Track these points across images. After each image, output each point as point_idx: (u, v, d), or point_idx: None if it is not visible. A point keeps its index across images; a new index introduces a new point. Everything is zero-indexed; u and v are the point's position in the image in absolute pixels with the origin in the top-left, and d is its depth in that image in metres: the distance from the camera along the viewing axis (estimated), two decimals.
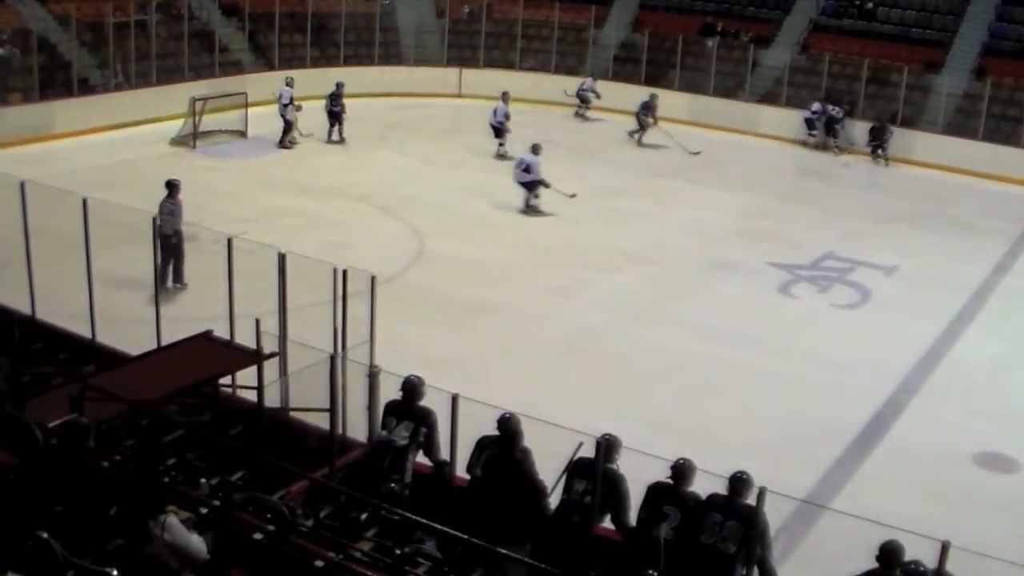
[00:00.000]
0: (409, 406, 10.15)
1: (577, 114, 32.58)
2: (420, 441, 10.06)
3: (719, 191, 25.29)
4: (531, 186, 22.54)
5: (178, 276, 16.77)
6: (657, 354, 16.04)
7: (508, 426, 9.56)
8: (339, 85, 27.79)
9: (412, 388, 10.17)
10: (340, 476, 10.42)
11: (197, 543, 7.27)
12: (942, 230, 23.37)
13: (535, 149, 22.58)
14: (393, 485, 9.85)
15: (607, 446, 8.96)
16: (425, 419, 10.07)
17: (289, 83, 27.24)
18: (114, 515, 7.41)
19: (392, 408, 10.24)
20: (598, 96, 32.37)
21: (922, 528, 7.74)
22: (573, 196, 22.88)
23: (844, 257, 20.90)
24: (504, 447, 9.55)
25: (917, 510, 11.14)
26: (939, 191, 26.61)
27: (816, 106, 30.19)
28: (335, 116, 27.72)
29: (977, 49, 31.68)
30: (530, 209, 22.62)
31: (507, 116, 27.18)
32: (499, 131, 27.12)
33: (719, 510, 8.63)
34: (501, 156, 26.59)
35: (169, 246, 16.41)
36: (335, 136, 27.77)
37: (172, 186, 17.02)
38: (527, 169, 22.44)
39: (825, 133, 30.13)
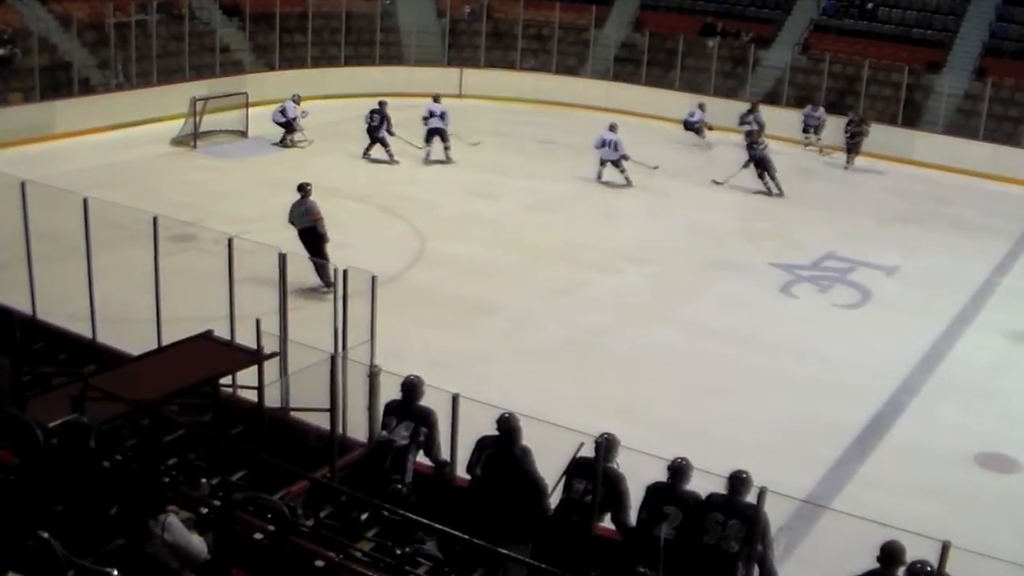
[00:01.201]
0: (409, 406, 10.15)
1: (700, 140, 30.55)
2: (421, 441, 10.06)
3: (720, 191, 25.28)
4: (617, 163, 24.87)
5: (324, 279, 16.39)
6: (658, 354, 16.03)
7: (507, 425, 9.55)
8: (382, 104, 26.13)
9: (412, 388, 10.18)
10: (341, 476, 10.43)
11: (198, 543, 7.27)
12: (943, 230, 23.38)
13: (614, 127, 24.99)
14: (400, 487, 9.85)
15: (606, 445, 8.97)
16: (425, 419, 10.08)
17: (296, 100, 27.17)
18: (115, 515, 7.41)
19: (392, 408, 10.24)
20: (710, 127, 30.34)
21: (923, 528, 7.74)
22: (656, 168, 25.49)
23: (845, 257, 20.89)
24: (503, 446, 9.55)
25: (918, 510, 11.13)
26: (940, 191, 26.63)
27: (807, 108, 30.40)
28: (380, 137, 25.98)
29: (978, 49, 31.70)
30: (627, 181, 24.98)
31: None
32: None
33: (720, 510, 8.62)
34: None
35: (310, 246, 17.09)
36: (379, 155, 26.02)
37: (301, 189, 17.74)
38: (616, 147, 24.75)
39: (803, 132, 30.37)
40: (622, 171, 24.89)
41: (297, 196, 17.75)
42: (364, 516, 9.76)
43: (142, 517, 7.05)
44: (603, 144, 24.90)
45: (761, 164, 25.26)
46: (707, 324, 17.17)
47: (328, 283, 15.80)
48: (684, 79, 33.54)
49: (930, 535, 7.55)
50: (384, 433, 10.14)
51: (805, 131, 30.26)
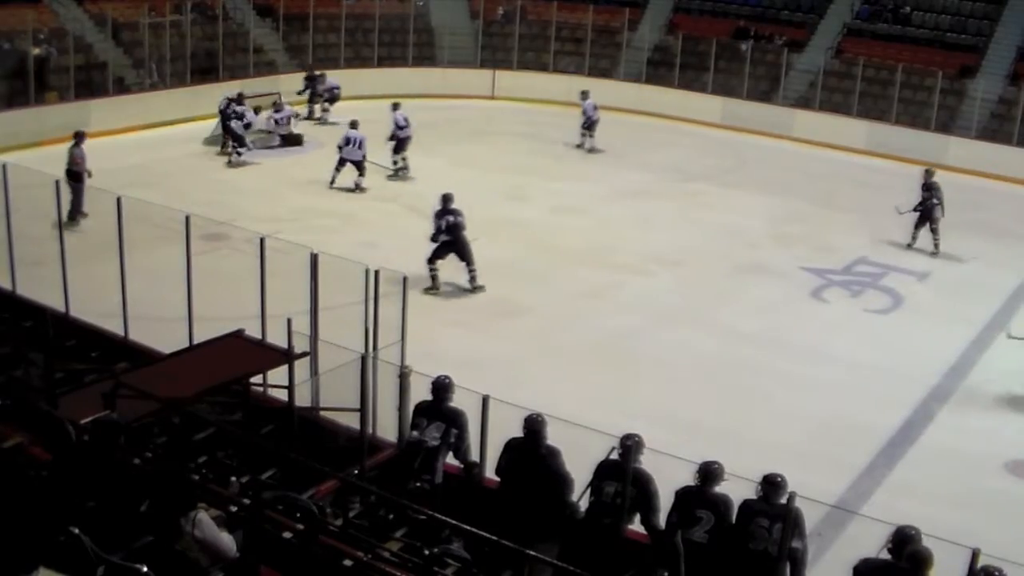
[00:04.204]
0: (439, 407, 10.18)
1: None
2: (451, 442, 10.08)
3: (752, 195, 25.17)
4: (360, 164, 23.59)
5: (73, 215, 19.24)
6: (688, 357, 15.98)
7: (533, 425, 9.56)
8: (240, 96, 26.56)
9: (442, 388, 10.21)
10: (370, 476, 10.45)
11: (227, 541, 7.29)
12: (975, 236, 23.17)
13: (355, 124, 23.70)
14: (419, 484, 9.87)
15: (635, 447, 8.98)
16: (455, 420, 10.10)
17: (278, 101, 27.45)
18: (145, 512, 7.45)
19: (422, 409, 10.27)
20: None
21: (952, 535, 7.70)
22: (392, 174, 24.45)
23: (877, 262, 20.80)
24: (529, 446, 9.55)
25: (947, 517, 11.07)
26: (973, 197, 26.29)
27: (588, 102, 28.55)
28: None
29: (1012, 54, 31.45)
30: (361, 188, 23.64)
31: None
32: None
33: (763, 515, 8.61)
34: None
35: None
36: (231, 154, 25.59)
37: (77, 135, 20.44)
38: (360, 145, 23.49)
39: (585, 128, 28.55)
40: (361, 173, 23.64)
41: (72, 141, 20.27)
42: (392, 516, 9.79)
43: (172, 514, 7.09)
44: (347, 142, 23.52)
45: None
46: (737, 327, 17.11)
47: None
48: (717, 82, 33.46)
49: (960, 542, 7.51)
50: (415, 434, 10.17)
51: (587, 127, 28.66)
